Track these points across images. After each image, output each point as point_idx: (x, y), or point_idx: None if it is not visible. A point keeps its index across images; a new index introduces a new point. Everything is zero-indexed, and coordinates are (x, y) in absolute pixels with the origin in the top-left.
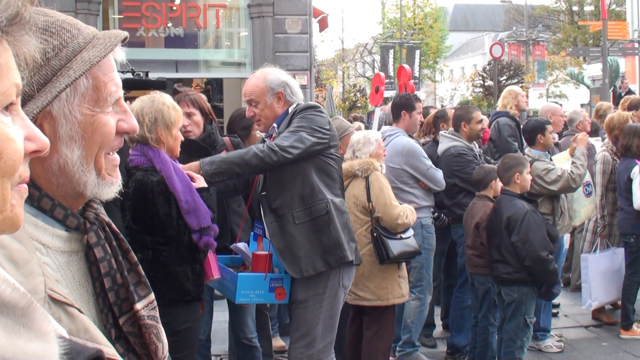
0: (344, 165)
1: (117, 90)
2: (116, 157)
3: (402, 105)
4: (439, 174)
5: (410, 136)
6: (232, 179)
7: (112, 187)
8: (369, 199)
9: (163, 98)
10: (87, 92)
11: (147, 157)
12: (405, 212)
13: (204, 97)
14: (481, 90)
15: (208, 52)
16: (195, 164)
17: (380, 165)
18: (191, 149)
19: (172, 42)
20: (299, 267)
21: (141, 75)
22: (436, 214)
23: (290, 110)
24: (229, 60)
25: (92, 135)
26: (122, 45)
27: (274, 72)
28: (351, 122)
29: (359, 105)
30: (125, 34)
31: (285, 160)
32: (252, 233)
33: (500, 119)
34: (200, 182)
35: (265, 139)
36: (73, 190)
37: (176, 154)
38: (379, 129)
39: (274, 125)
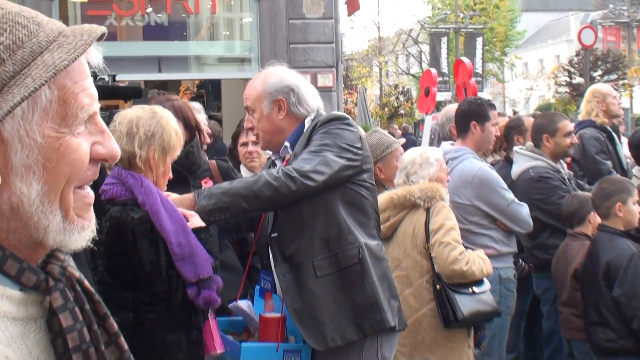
0: (398, 193)
1: (91, 103)
2: (89, 193)
3: (472, 114)
4: (524, 210)
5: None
6: (237, 216)
7: (83, 232)
8: (428, 235)
9: (167, 116)
10: (50, 107)
11: (127, 186)
12: (470, 258)
13: (190, 105)
14: (567, 90)
15: (201, 46)
16: (188, 197)
17: (447, 194)
18: None
19: (153, 32)
20: (322, 335)
21: (106, 79)
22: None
23: (307, 123)
24: (228, 56)
25: (57, 164)
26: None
27: (280, 72)
28: (394, 135)
29: (402, 112)
30: (103, 29)
31: (307, 191)
32: (257, 287)
33: (585, 131)
34: (196, 221)
35: (276, 162)
36: (30, 238)
37: (162, 187)
38: (431, 144)
39: (286, 144)
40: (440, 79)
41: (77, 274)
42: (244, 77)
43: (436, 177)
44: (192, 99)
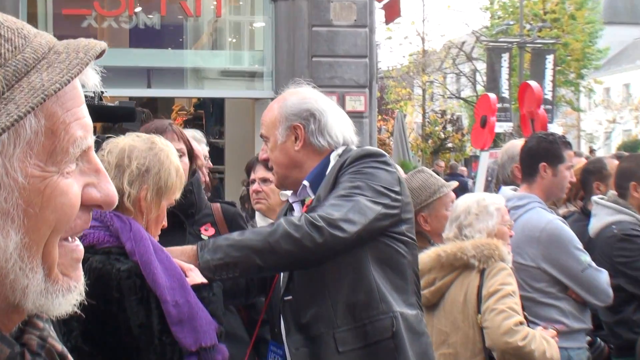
0: (447, 250)
1: (84, 136)
2: (78, 247)
3: (542, 154)
4: (604, 277)
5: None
6: (247, 275)
7: (69, 295)
8: (480, 304)
9: (169, 149)
10: (36, 140)
11: (111, 230)
12: (530, 334)
13: (188, 132)
14: None
15: (200, 56)
16: (189, 248)
17: (509, 253)
18: None
19: (141, 38)
20: None
21: (92, 95)
22: (588, 338)
23: (332, 159)
24: (234, 69)
25: (41, 210)
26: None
27: (303, 93)
28: (442, 176)
29: (449, 145)
30: (102, 45)
31: (336, 244)
32: None
33: None
34: (196, 276)
35: (294, 205)
36: (4, 301)
37: (154, 235)
38: (488, 189)
39: (305, 183)
40: (499, 105)
41: (60, 346)
42: (253, 97)
43: (496, 231)
44: (188, 122)
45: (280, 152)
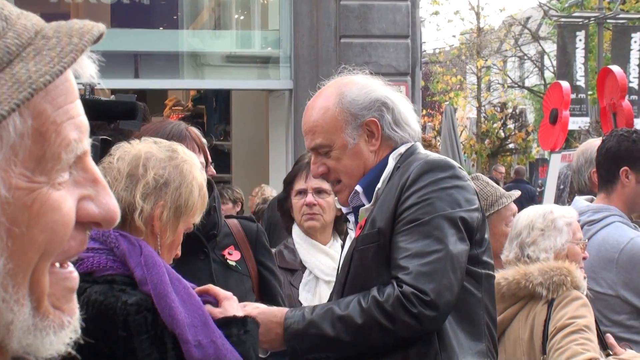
0: (507, 276)
1: (80, 138)
2: (72, 274)
3: (624, 156)
4: None
5: (633, 220)
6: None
7: (62, 333)
8: (545, 341)
9: (193, 161)
10: (21, 144)
11: (117, 253)
12: None
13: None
14: None
15: (200, 38)
16: (277, 319)
17: (585, 278)
18: None
19: (126, 15)
20: None
21: (82, 88)
22: None
23: (391, 161)
24: (243, 54)
25: (28, 229)
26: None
27: (362, 81)
28: (502, 184)
29: (511, 146)
30: (101, 28)
31: (437, 325)
32: None
33: None
34: (230, 308)
35: (350, 223)
36: None
37: (169, 259)
38: (560, 199)
39: (358, 189)
40: (573, 96)
41: None
42: (266, 88)
43: (566, 251)
44: (185, 120)
45: (352, 158)
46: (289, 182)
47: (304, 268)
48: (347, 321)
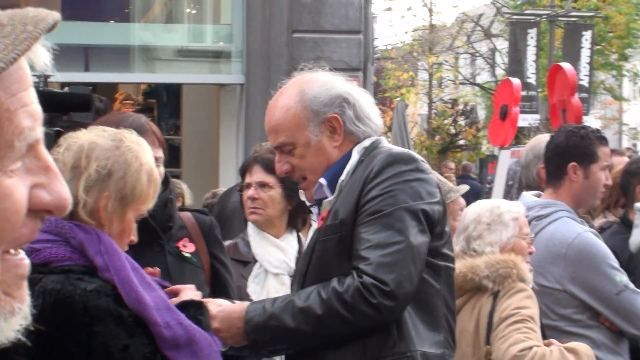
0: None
1: (33, 126)
2: (23, 261)
3: (572, 152)
4: None
5: (580, 215)
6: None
7: (12, 319)
8: (490, 332)
9: (140, 148)
10: None
11: (73, 243)
12: (540, 354)
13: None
14: None
15: (151, 32)
16: (237, 313)
17: (531, 271)
18: None
19: (76, 8)
20: None
21: (36, 80)
22: None
23: (354, 154)
24: (194, 48)
25: None
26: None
27: (322, 79)
28: (456, 177)
29: (461, 142)
30: (56, 16)
31: (396, 314)
32: None
33: None
34: (190, 292)
35: (313, 214)
36: None
37: (122, 247)
38: (508, 195)
39: (322, 182)
40: (524, 93)
41: None
42: (218, 82)
43: (512, 245)
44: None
45: (315, 155)
46: (243, 172)
47: (256, 261)
48: (308, 312)
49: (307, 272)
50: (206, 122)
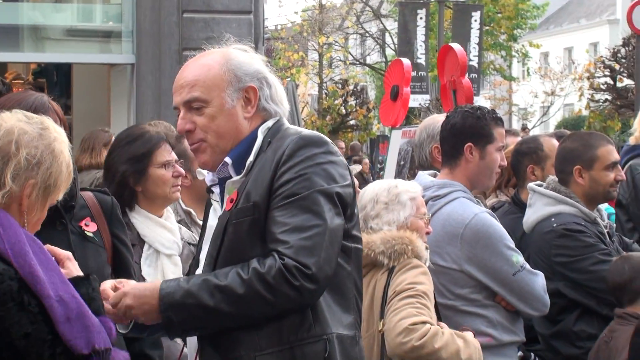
0: None
1: None
2: None
3: (468, 132)
4: (539, 281)
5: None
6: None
7: None
8: (384, 307)
9: (62, 138)
10: None
11: None
12: (436, 334)
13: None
14: (609, 97)
15: (41, 11)
16: (150, 290)
17: (427, 248)
18: None
19: None
20: None
21: None
22: (520, 352)
23: (260, 134)
24: (84, 28)
25: None
26: None
27: (244, 52)
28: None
29: (352, 122)
30: None
31: (316, 297)
32: None
33: (637, 162)
34: (73, 268)
35: (214, 194)
36: None
37: (32, 231)
38: (400, 175)
39: (227, 160)
40: (414, 74)
41: None
42: (108, 62)
43: (409, 225)
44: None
45: (226, 118)
46: (146, 155)
47: (141, 242)
48: (227, 292)
49: (218, 254)
50: (97, 101)
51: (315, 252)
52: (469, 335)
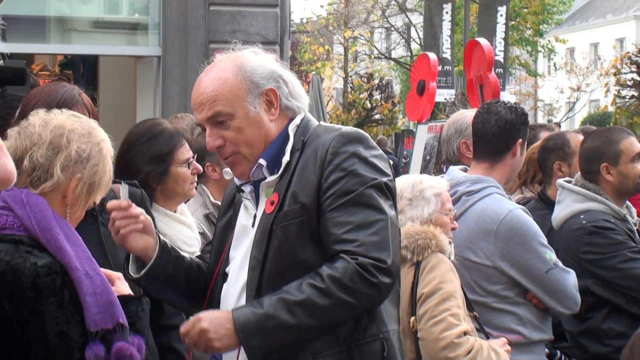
0: None
1: None
2: None
3: (520, 129)
4: (571, 279)
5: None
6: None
7: None
8: (414, 303)
9: (108, 142)
10: None
11: (17, 211)
12: (475, 348)
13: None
14: (635, 93)
15: (67, 3)
16: (223, 319)
17: (450, 243)
18: None
19: None
20: None
21: None
22: (546, 349)
23: (291, 131)
24: (110, 20)
25: None
26: None
27: (253, 55)
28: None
29: (377, 117)
30: None
31: (390, 289)
32: None
33: None
34: (123, 287)
35: (245, 193)
36: None
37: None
38: (426, 170)
39: (261, 162)
40: (440, 68)
41: None
42: (134, 54)
43: (434, 221)
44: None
45: (253, 126)
46: (168, 153)
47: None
48: (308, 305)
49: (265, 257)
50: (123, 94)
51: (386, 246)
52: (500, 347)
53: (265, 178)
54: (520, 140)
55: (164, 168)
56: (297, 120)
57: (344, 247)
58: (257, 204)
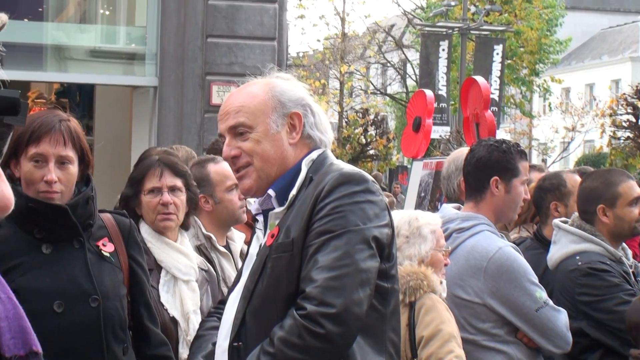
0: None
1: None
2: None
3: (494, 166)
4: (562, 318)
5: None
6: None
7: None
8: (413, 345)
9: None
10: None
11: None
12: None
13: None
14: (630, 134)
15: (65, 31)
16: None
17: (441, 283)
18: (47, 221)
19: None
20: None
21: None
22: None
23: (304, 167)
24: (108, 49)
25: None
26: None
27: (286, 81)
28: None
29: (371, 152)
30: (3, 18)
31: (351, 338)
32: None
33: None
34: None
35: (258, 222)
36: None
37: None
38: (420, 206)
39: (270, 193)
40: (435, 105)
41: None
42: (131, 84)
43: (430, 258)
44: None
45: (271, 143)
46: (139, 180)
47: (158, 267)
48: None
49: (255, 288)
50: (119, 123)
51: (342, 293)
52: None
53: (274, 208)
54: (496, 178)
55: (133, 193)
56: (313, 155)
57: (305, 285)
58: (265, 234)
